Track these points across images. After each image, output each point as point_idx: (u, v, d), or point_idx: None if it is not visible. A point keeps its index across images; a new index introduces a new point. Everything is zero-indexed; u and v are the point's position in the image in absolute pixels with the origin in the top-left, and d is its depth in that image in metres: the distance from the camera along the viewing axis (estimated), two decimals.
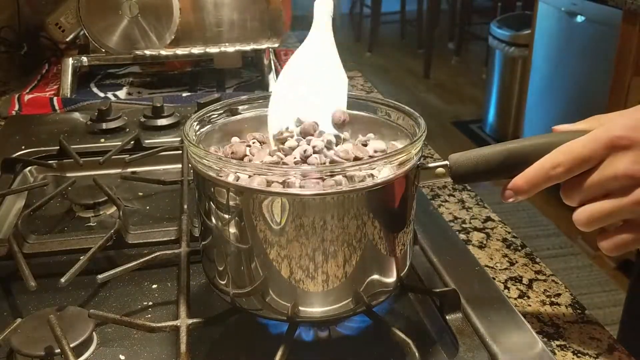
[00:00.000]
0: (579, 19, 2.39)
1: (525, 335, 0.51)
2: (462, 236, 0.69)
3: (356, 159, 0.48)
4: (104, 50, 1.10)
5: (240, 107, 0.57)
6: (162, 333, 0.51)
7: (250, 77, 1.26)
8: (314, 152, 0.48)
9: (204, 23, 1.11)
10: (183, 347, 0.47)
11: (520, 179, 0.47)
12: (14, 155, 0.84)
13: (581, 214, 0.46)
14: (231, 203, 0.45)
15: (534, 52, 2.73)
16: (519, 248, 0.67)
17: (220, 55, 1.15)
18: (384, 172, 0.46)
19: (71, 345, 0.47)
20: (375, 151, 0.51)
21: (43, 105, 1.06)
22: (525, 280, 0.61)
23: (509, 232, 0.70)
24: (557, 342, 0.53)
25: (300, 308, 0.47)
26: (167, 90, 1.17)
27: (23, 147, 0.88)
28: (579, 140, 0.45)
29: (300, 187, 0.44)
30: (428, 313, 0.56)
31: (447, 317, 0.52)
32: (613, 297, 2.07)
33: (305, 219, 0.44)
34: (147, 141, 0.89)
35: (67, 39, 1.17)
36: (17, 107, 1.06)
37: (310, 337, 0.53)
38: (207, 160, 0.46)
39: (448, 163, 0.50)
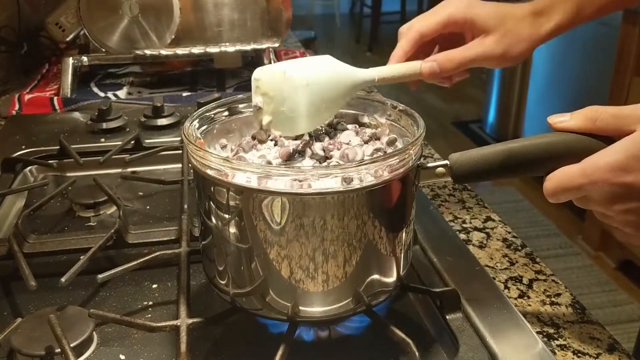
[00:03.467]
0: None
1: (526, 335, 0.51)
2: (462, 236, 0.69)
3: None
4: (104, 50, 1.10)
5: (239, 106, 0.57)
6: (162, 333, 0.51)
7: (251, 77, 1.26)
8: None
9: (204, 23, 1.11)
10: (183, 347, 0.47)
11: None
12: (14, 155, 0.84)
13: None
14: (231, 203, 0.45)
15: (534, 51, 2.73)
16: (519, 248, 0.67)
17: (221, 55, 1.15)
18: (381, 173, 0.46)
19: (71, 345, 0.47)
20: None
21: (43, 105, 1.06)
22: (525, 280, 0.61)
23: (509, 232, 0.70)
24: (557, 342, 0.53)
25: (301, 308, 0.47)
26: (167, 90, 1.17)
27: (23, 146, 0.88)
28: (570, 174, 0.47)
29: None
30: (428, 313, 0.56)
31: (447, 317, 0.52)
32: (613, 297, 2.07)
33: (305, 219, 0.44)
34: (147, 141, 0.89)
35: (68, 39, 1.17)
36: (17, 107, 1.06)
37: (311, 337, 0.53)
38: (207, 160, 0.46)
39: (448, 163, 0.50)
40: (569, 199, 0.48)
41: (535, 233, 2.42)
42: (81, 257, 0.57)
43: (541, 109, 2.72)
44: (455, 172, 0.50)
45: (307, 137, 0.54)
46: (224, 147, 0.54)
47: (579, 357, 0.51)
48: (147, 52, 1.10)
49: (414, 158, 0.48)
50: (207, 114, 0.54)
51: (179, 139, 0.90)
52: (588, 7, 0.63)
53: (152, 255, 0.58)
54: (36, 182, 0.83)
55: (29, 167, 0.84)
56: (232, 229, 0.46)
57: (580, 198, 0.48)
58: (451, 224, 0.71)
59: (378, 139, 0.53)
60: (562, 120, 0.49)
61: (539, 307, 0.57)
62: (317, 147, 0.51)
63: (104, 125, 0.93)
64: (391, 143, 0.52)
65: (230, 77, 1.25)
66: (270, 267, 0.46)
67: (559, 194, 0.48)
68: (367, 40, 5.04)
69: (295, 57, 1.38)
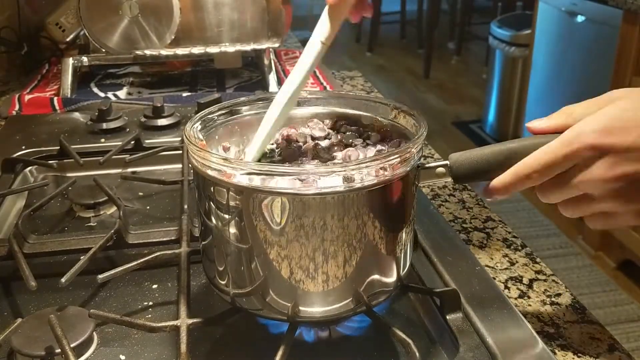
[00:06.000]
0: (579, 18, 2.39)
1: (526, 335, 0.51)
2: (463, 236, 0.69)
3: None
4: (104, 50, 1.10)
5: (242, 108, 0.57)
6: (163, 333, 0.51)
7: (251, 77, 1.26)
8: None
9: (204, 23, 1.11)
10: (183, 347, 0.47)
11: (497, 182, 0.48)
12: (15, 155, 0.84)
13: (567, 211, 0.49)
14: (231, 203, 0.45)
15: (534, 52, 2.73)
16: (519, 248, 0.67)
17: (221, 55, 1.15)
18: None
19: (71, 345, 0.47)
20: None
21: (43, 105, 1.06)
22: (525, 280, 0.61)
23: (510, 232, 0.70)
24: (558, 342, 0.53)
25: (301, 308, 0.47)
26: (168, 90, 1.17)
27: (23, 147, 0.88)
28: (551, 147, 0.45)
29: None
30: (428, 313, 0.56)
31: (447, 317, 0.52)
32: (613, 297, 2.07)
33: (305, 219, 0.44)
34: (147, 141, 0.89)
35: (68, 39, 1.17)
36: (17, 107, 1.06)
37: (311, 337, 0.53)
38: (208, 160, 0.46)
39: (448, 163, 0.50)
40: (549, 177, 0.46)
41: (535, 233, 2.42)
42: (81, 258, 0.57)
43: (541, 109, 2.72)
44: (455, 172, 0.50)
45: (309, 140, 0.54)
46: (227, 149, 0.54)
47: (579, 357, 0.51)
48: (147, 52, 1.10)
49: (414, 158, 0.48)
50: (209, 116, 0.54)
51: (179, 139, 0.90)
52: None
53: (152, 255, 0.58)
54: (36, 182, 0.83)
55: (29, 168, 0.84)
56: (232, 229, 0.46)
57: (556, 184, 0.46)
58: (451, 224, 0.71)
59: (382, 141, 0.53)
60: (540, 122, 0.49)
61: (539, 307, 0.57)
62: (320, 149, 0.51)
63: (104, 126, 0.93)
64: (396, 147, 0.52)
65: (230, 77, 1.25)
66: (271, 267, 0.46)
67: (542, 173, 0.46)
68: (367, 40, 5.04)
69: (295, 57, 1.38)
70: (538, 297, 0.59)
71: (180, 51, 1.11)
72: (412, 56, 4.88)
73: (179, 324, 0.49)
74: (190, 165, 0.56)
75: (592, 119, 0.44)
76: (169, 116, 0.96)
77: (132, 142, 0.86)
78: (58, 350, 0.48)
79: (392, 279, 0.50)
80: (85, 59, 1.14)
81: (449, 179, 0.50)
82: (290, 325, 0.49)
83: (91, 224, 0.72)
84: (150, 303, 0.58)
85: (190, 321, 0.50)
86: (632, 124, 0.43)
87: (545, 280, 0.61)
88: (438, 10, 4.66)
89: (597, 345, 0.53)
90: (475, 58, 4.77)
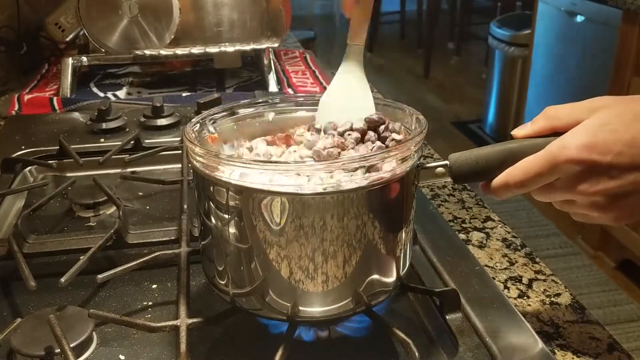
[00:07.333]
0: (579, 18, 2.39)
1: (525, 335, 0.51)
2: (462, 236, 0.69)
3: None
4: (103, 50, 1.10)
5: (241, 110, 0.57)
6: (162, 333, 0.51)
7: (250, 77, 1.26)
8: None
9: (204, 23, 1.11)
10: (183, 347, 0.47)
11: (487, 185, 0.50)
12: (14, 155, 0.84)
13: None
14: (230, 203, 0.45)
15: (533, 52, 2.73)
16: (519, 248, 0.67)
17: (220, 55, 1.15)
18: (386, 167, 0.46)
19: (71, 345, 0.47)
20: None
21: (43, 105, 1.06)
22: (525, 280, 0.61)
23: (509, 232, 0.70)
24: (557, 342, 0.53)
25: (300, 308, 0.47)
26: (167, 90, 1.17)
27: (23, 147, 0.88)
28: (538, 159, 0.47)
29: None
30: (428, 313, 0.56)
31: (447, 317, 0.52)
32: (613, 297, 2.07)
33: (305, 219, 0.44)
34: (147, 141, 0.89)
35: (67, 39, 1.17)
36: (16, 107, 1.06)
37: (310, 337, 0.53)
38: (207, 160, 0.46)
39: (448, 163, 0.50)
40: (534, 188, 0.48)
41: (535, 233, 2.42)
42: (81, 257, 0.57)
43: (541, 109, 2.70)
44: (455, 172, 0.50)
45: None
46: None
47: (578, 357, 0.51)
48: (147, 52, 1.10)
49: (414, 158, 0.48)
50: (210, 116, 0.54)
51: (178, 139, 0.90)
52: None
53: (152, 255, 0.58)
54: (36, 182, 0.83)
55: (29, 167, 0.84)
56: (232, 229, 0.46)
57: (543, 188, 0.48)
58: (451, 224, 0.71)
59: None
60: (524, 128, 0.50)
61: (539, 307, 0.57)
62: (320, 146, 0.51)
63: (104, 126, 0.93)
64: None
65: (229, 77, 1.25)
66: (270, 267, 0.46)
67: (525, 184, 0.48)
68: (367, 41, 5.04)
69: (295, 57, 1.38)
70: (537, 297, 0.59)
71: (180, 51, 1.11)
72: (412, 56, 4.88)
73: (178, 323, 0.49)
74: (189, 165, 0.56)
75: (575, 134, 0.46)
76: (168, 116, 0.96)
77: (132, 142, 0.86)
78: (58, 350, 0.48)
79: (391, 278, 0.50)
80: (84, 58, 1.14)
81: (449, 179, 0.50)
82: (290, 325, 0.49)
83: (91, 224, 0.72)
84: (150, 303, 0.58)
85: (190, 321, 0.50)
86: (612, 140, 0.45)
87: (544, 280, 0.61)
88: (438, 10, 4.67)
89: (597, 345, 0.53)
90: (474, 58, 4.77)
